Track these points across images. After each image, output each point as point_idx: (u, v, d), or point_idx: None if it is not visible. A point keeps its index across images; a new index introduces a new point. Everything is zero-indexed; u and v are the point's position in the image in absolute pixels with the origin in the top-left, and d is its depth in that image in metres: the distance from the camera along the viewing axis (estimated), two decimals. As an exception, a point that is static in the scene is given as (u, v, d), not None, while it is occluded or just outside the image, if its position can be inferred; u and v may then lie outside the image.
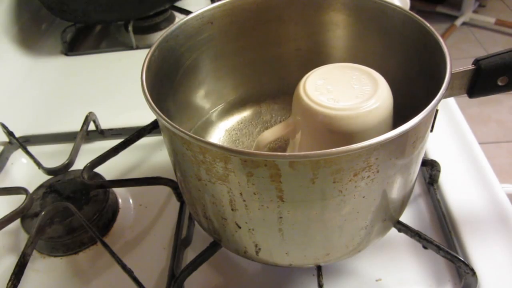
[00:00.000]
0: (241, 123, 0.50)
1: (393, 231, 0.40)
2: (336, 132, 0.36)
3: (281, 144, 0.47)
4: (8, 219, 0.45)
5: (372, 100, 0.36)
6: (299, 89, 0.38)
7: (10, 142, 0.59)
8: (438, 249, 0.39)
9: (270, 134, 0.40)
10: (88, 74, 0.73)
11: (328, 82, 0.38)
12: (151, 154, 0.56)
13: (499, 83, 0.35)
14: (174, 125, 0.29)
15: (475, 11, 2.29)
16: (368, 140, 0.27)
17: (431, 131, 0.35)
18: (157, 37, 0.39)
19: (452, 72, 0.33)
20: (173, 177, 0.43)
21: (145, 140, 0.53)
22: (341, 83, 0.38)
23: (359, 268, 0.42)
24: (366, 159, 0.28)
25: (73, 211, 0.44)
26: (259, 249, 0.36)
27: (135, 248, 0.46)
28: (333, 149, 0.26)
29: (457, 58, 2.00)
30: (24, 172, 0.56)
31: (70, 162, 0.51)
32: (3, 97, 0.68)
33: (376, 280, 0.41)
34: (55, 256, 0.46)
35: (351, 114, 0.35)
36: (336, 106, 0.36)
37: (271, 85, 0.51)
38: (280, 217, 0.32)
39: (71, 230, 0.45)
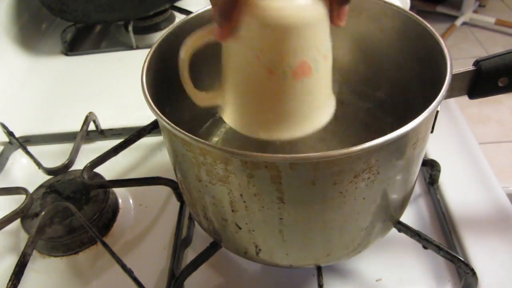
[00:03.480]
0: (241, 123, 0.50)
1: (393, 231, 0.40)
2: (268, 25, 0.33)
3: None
4: (8, 219, 0.45)
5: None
6: None
7: (10, 142, 0.59)
8: (438, 249, 0.39)
9: (193, 39, 0.36)
10: (88, 74, 0.73)
11: None
12: (151, 154, 0.56)
13: (500, 84, 0.35)
14: (175, 126, 0.29)
15: (475, 11, 2.29)
16: (368, 142, 0.27)
17: (432, 132, 0.35)
18: (157, 37, 0.39)
19: (453, 73, 0.33)
20: (173, 177, 0.43)
21: (145, 140, 0.53)
22: None
23: (359, 268, 0.42)
24: (366, 160, 0.28)
25: (73, 211, 0.44)
26: (260, 249, 0.36)
27: (135, 248, 0.46)
28: (334, 151, 0.26)
29: (457, 58, 2.00)
30: (24, 172, 0.56)
31: (70, 162, 0.51)
32: (3, 97, 0.68)
33: (376, 280, 0.41)
34: (55, 256, 0.46)
35: (284, 5, 0.32)
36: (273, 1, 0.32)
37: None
38: (281, 218, 0.32)
39: (71, 230, 0.45)
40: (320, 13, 0.33)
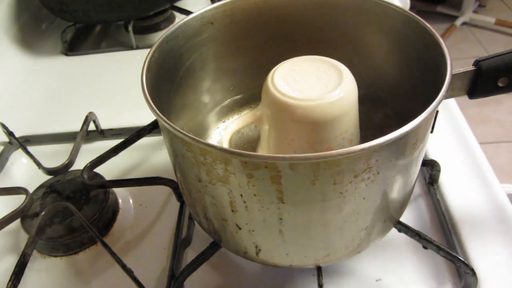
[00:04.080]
0: (241, 123, 0.50)
1: (393, 231, 0.40)
2: (298, 121, 0.37)
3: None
4: (8, 219, 0.45)
5: (336, 92, 0.37)
6: (267, 79, 0.39)
7: (10, 142, 0.59)
8: (438, 249, 0.39)
9: (236, 123, 0.41)
10: (88, 74, 0.73)
11: (296, 74, 0.39)
12: (151, 154, 0.56)
13: (500, 84, 0.35)
14: (175, 126, 0.29)
15: (475, 11, 2.29)
16: (369, 142, 0.27)
17: (432, 132, 0.35)
18: (157, 37, 0.39)
19: (453, 73, 0.33)
20: (173, 177, 0.43)
21: (145, 140, 0.53)
22: (308, 75, 0.39)
23: (359, 268, 0.42)
24: (366, 160, 0.28)
25: (73, 211, 0.44)
26: (259, 250, 0.36)
27: (135, 248, 0.46)
28: (334, 151, 0.26)
29: (457, 58, 2.00)
30: (24, 172, 0.56)
31: (70, 162, 0.51)
32: (3, 97, 0.68)
33: (376, 280, 0.41)
34: (55, 256, 0.46)
35: (313, 104, 0.36)
36: (300, 97, 0.37)
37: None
38: (281, 219, 0.32)
39: (71, 230, 0.45)
40: (347, 105, 0.38)
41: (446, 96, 0.31)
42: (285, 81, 0.38)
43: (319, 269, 0.39)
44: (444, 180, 0.48)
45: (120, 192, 0.51)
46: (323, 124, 0.37)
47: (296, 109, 0.37)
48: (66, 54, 0.78)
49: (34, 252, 0.45)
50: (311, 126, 0.37)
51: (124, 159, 0.54)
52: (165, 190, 0.50)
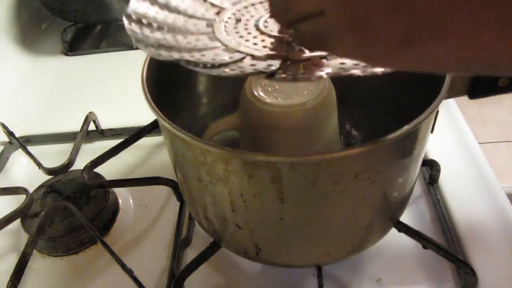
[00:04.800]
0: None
1: (393, 231, 0.40)
2: (274, 128, 0.37)
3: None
4: (8, 219, 0.45)
5: (311, 100, 0.36)
6: (245, 84, 0.39)
7: (10, 142, 0.59)
8: (438, 249, 0.39)
9: (216, 126, 0.42)
10: (88, 74, 0.73)
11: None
12: (151, 154, 0.56)
13: (500, 84, 0.35)
14: (175, 126, 0.29)
15: (475, 11, 2.28)
16: (369, 142, 0.27)
17: (432, 132, 0.35)
18: (158, 37, 0.39)
19: (453, 73, 0.33)
20: (173, 177, 0.43)
21: (145, 140, 0.53)
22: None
23: (359, 268, 0.42)
24: (366, 160, 0.28)
25: (73, 211, 0.44)
26: (260, 249, 0.36)
27: (135, 248, 0.46)
28: (334, 151, 0.26)
29: (457, 58, 1.99)
30: (24, 172, 0.56)
31: (70, 162, 0.51)
32: (3, 97, 0.68)
33: (376, 280, 0.41)
34: (55, 256, 0.46)
35: (287, 111, 0.36)
36: (276, 103, 0.36)
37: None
38: (281, 218, 0.32)
39: (71, 230, 0.45)
40: (324, 111, 0.37)
41: (446, 96, 0.31)
42: (263, 88, 0.38)
43: (319, 269, 0.39)
44: (444, 180, 0.48)
45: (120, 192, 0.51)
46: (298, 131, 0.37)
47: (271, 115, 0.36)
48: (66, 54, 0.78)
49: (34, 252, 0.45)
50: (287, 132, 0.37)
51: (124, 159, 0.54)
52: (165, 190, 0.50)
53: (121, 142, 0.50)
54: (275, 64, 0.27)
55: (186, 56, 0.28)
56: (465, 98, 0.37)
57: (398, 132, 0.27)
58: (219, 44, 0.30)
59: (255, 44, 0.30)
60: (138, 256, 0.45)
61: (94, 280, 0.43)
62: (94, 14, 0.73)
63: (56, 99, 0.68)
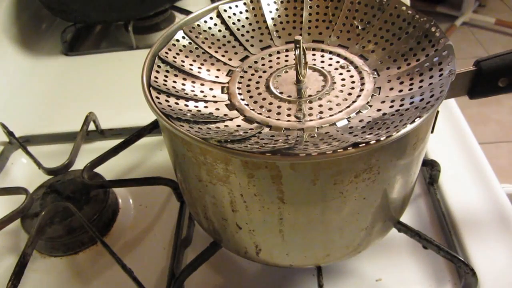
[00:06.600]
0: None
1: (393, 231, 0.40)
2: None
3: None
4: (8, 219, 0.45)
5: None
6: None
7: (10, 142, 0.59)
8: (438, 249, 0.39)
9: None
10: (88, 74, 0.73)
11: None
12: (151, 154, 0.56)
13: (500, 85, 0.35)
14: (175, 126, 0.29)
15: (475, 11, 2.29)
16: (369, 142, 0.27)
17: (432, 132, 0.35)
18: (157, 37, 0.39)
19: (453, 73, 0.33)
20: (173, 177, 0.43)
21: (145, 140, 0.53)
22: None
23: (359, 268, 0.42)
24: (367, 160, 0.28)
25: (73, 211, 0.44)
26: (260, 249, 0.36)
27: (135, 248, 0.46)
28: (334, 152, 0.26)
29: (457, 58, 1.99)
30: (24, 172, 0.56)
31: (70, 162, 0.51)
32: (3, 97, 0.68)
33: (376, 280, 0.41)
34: (55, 256, 0.46)
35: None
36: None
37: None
38: (281, 218, 0.32)
39: (71, 230, 0.45)
40: None
41: (446, 96, 0.31)
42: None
43: (319, 269, 0.39)
44: (444, 180, 0.48)
45: (120, 192, 0.51)
46: None
47: None
48: (66, 54, 0.78)
49: (34, 252, 0.45)
50: None
51: (124, 159, 0.54)
52: (165, 190, 0.50)
53: (121, 142, 0.50)
54: (292, 137, 0.30)
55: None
56: (465, 98, 0.37)
57: (399, 132, 0.27)
58: (237, 114, 0.34)
59: (269, 111, 0.33)
60: (138, 256, 0.45)
61: (94, 280, 0.43)
62: (94, 14, 0.73)
63: (56, 99, 0.68)
